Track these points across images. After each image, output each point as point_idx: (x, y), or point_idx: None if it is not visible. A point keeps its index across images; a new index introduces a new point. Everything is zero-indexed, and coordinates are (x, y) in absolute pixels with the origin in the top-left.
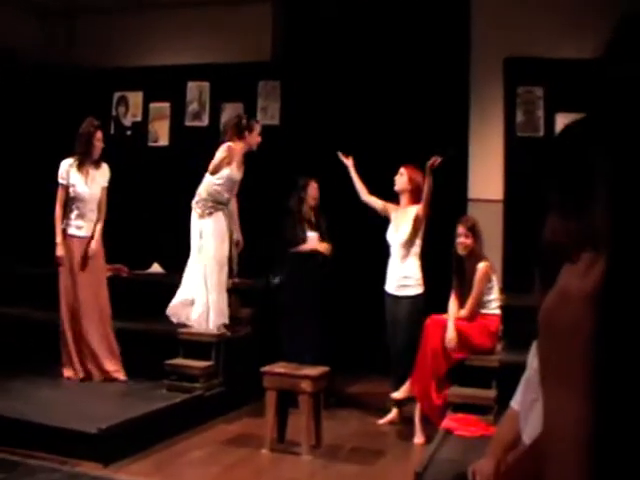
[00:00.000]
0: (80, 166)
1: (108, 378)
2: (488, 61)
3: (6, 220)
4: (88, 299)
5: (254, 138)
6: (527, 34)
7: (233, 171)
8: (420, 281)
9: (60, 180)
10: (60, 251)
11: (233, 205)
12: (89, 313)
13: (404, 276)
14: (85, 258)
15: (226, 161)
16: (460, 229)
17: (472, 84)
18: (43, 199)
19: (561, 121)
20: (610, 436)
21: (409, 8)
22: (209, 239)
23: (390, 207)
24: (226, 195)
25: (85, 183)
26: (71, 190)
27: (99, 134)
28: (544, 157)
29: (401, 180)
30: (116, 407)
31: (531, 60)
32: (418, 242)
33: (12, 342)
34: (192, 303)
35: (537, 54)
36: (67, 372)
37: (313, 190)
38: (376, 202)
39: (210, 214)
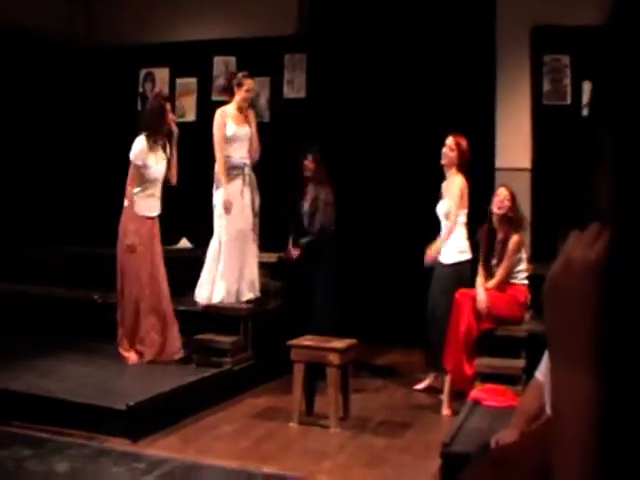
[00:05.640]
0: (152, 144)
1: (168, 359)
2: (514, 30)
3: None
4: (156, 278)
5: (242, 93)
6: (553, 2)
7: (233, 128)
8: (459, 249)
9: (136, 161)
10: (145, 229)
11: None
12: (157, 292)
13: (448, 244)
14: (156, 236)
15: (221, 125)
16: (503, 190)
17: (498, 53)
18: (74, 179)
19: (588, 89)
20: (616, 412)
21: None
22: (220, 210)
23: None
24: (236, 156)
25: (156, 161)
26: (146, 171)
27: (169, 106)
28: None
29: (450, 155)
30: (145, 383)
31: (558, 28)
32: (463, 211)
33: (39, 319)
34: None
35: (564, 22)
36: (126, 353)
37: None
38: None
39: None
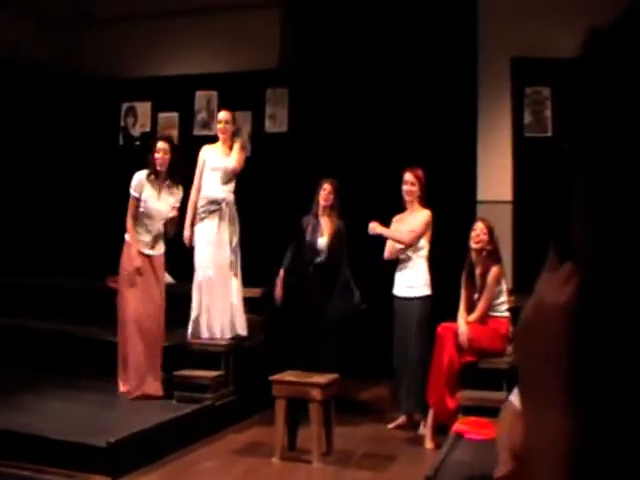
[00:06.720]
0: (153, 180)
1: (149, 396)
2: (495, 61)
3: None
4: (149, 315)
5: (216, 126)
6: (534, 34)
7: (212, 160)
8: (428, 282)
9: (133, 192)
10: (137, 263)
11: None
12: (146, 329)
13: (413, 277)
14: (151, 274)
15: (199, 161)
16: (479, 224)
17: (480, 85)
18: (51, 211)
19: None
20: (589, 452)
21: (416, 10)
22: (198, 247)
23: (395, 220)
24: (215, 189)
25: (157, 199)
26: (142, 204)
27: (160, 144)
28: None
29: (413, 190)
30: (125, 419)
31: (538, 60)
32: (426, 245)
33: (20, 355)
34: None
35: (544, 54)
36: (124, 387)
37: (323, 192)
38: (392, 246)
39: (202, 219)
